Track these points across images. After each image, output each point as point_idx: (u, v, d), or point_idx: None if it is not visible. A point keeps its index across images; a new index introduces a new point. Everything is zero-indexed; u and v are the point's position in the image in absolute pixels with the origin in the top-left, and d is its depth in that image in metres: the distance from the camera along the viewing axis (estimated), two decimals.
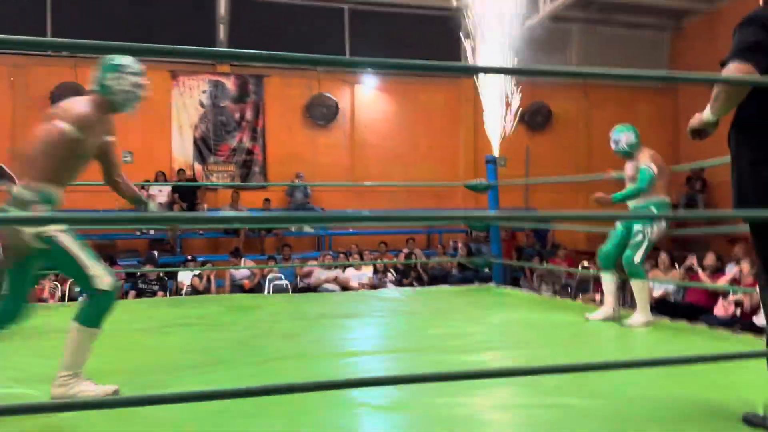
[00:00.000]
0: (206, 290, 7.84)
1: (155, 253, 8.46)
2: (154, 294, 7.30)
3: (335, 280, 8.27)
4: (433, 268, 9.13)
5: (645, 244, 4.11)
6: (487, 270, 7.62)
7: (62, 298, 7.40)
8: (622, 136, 4.26)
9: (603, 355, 3.13)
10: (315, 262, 8.66)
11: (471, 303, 5.16)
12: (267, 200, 10.05)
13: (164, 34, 9.90)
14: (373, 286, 7.96)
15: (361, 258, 8.88)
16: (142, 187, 9.36)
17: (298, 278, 8.41)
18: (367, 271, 8.49)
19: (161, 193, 9.32)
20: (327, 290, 7.89)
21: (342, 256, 9.03)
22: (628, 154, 4.24)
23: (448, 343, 3.49)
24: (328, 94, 10.79)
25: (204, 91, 10.16)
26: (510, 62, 9.02)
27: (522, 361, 3.11)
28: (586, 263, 8.23)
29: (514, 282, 7.98)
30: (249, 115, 10.43)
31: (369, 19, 11.14)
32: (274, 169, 10.54)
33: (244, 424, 2.19)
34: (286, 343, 3.60)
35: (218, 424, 2.18)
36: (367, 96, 11.23)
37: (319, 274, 8.28)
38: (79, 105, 2.52)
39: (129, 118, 9.84)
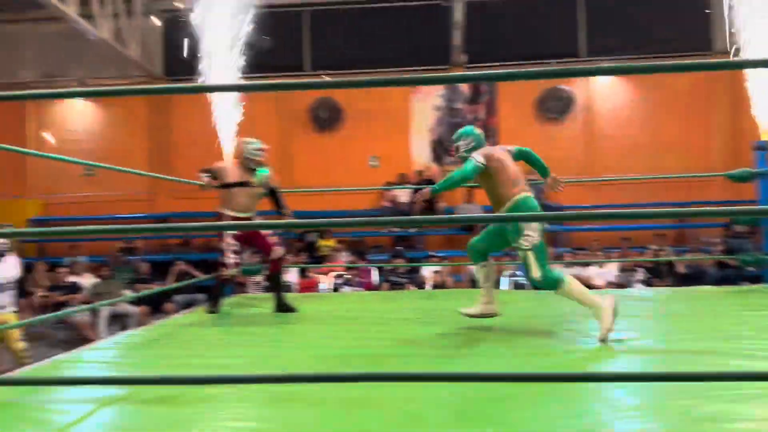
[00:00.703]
0: (444, 284, 8.19)
1: (402, 248, 9.13)
2: (403, 286, 7.87)
3: (576, 278, 8.03)
4: (687, 267, 8.38)
5: (530, 257, 3.57)
6: (753, 269, 6.81)
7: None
8: (461, 140, 3.87)
9: None
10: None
11: (743, 305, 4.65)
12: None
13: (399, 42, 10.60)
14: (620, 285, 7.58)
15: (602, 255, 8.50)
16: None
17: None
18: (611, 269, 8.12)
19: (403, 193, 10.00)
20: None
21: (581, 253, 8.74)
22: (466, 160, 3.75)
23: (718, 345, 3.23)
24: (562, 86, 10.54)
25: (440, 95, 10.67)
26: None
27: None
28: None
29: None
30: (482, 114, 10.67)
31: (604, 4, 10.62)
32: None
33: (514, 407, 2.31)
34: (537, 339, 3.67)
35: (496, 406, 2.33)
36: (604, 84, 10.72)
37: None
38: None
39: (374, 126, 10.65)
